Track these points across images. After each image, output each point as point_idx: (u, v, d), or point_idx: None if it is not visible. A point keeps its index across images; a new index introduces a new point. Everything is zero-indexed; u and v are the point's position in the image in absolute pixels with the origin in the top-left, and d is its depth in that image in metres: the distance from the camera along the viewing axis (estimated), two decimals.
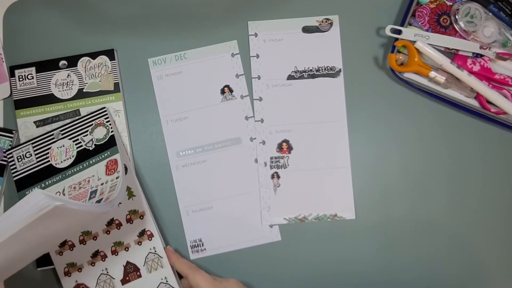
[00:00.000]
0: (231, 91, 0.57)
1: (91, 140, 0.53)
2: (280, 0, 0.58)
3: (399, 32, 0.54)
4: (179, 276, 0.53)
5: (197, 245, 0.55)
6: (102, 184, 0.50)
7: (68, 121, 0.55)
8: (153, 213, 0.54)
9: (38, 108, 0.56)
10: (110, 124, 0.53)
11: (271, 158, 0.56)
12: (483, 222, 0.54)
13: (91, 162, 0.52)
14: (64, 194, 0.52)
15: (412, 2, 0.54)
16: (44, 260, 0.53)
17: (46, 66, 0.56)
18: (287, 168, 0.56)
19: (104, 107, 0.55)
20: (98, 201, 0.47)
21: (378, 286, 0.54)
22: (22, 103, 0.56)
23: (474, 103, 0.54)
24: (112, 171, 0.50)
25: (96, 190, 0.50)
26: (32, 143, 0.54)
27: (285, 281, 0.54)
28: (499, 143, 0.55)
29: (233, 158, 0.56)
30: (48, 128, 0.55)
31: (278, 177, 0.55)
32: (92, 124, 0.54)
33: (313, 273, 0.54)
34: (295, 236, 0.55)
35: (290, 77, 0.57)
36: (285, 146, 0.56)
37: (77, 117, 0.55)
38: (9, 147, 0.55)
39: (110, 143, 0.53)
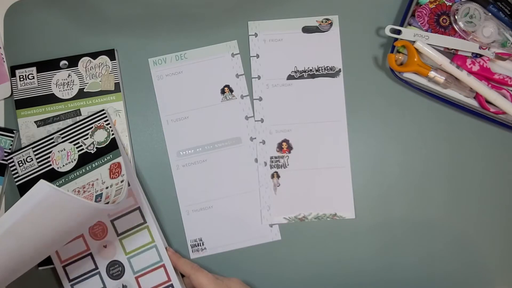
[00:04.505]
0: (231, 91, 0.57)
1: (92, 143, 0.53)
2: (280, 0, 0.58)
3: (398, 32, 0.54)
4: (181, 275, 0.53)
5: (197, 244, 0.55)
6: (107, 187, 0.51)
7: (69, 121, 0.55)
8: (153, 212, 0.54)
9: (38, 108, 0.56)
10: (110, 127, 0.54)
11: (271, 157, 0.56)
12: (483, 222, 0.55)
13: (93, 165, 0.53)
14: None
15: (412, 2, 0.54)
16: (45, 259, 0.53)
17: (47, 66, 0.56)
18: (287, 168, 0.56)
19: (103, 109, 0.55)
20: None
21: (378, 286, 0.54)
22: (23, 103, 0.56)
23: (473, 103, 0.55)
24: (116, 175, 0.50)
25: (101, 193, 0.50)
26: (33, 147, 0.54)
27: (285, 280, 0.54)
28: (499, 142, 0.55)
29: (233, 158, 0.56)
30: (48, 128, 0.55)
31: (278, 176, 0.56)
32: (92, 127, 0.54)
33: (313, 272, 0.54)
34: (295, 235, 0.55)
35: (290, 77, 0.57)
36: (285, 146, 0.56)
37: (76, 121, 0.55)
38: (10, 148, 0.55)
39: (111, 146, 0.53)
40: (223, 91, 0.57)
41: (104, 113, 0.54)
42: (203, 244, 0.55)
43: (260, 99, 0.57)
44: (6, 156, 0.54)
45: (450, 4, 0.55)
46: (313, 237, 0.55)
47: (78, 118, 0.55)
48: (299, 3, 0.58)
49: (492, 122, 0.54)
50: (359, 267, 0.54)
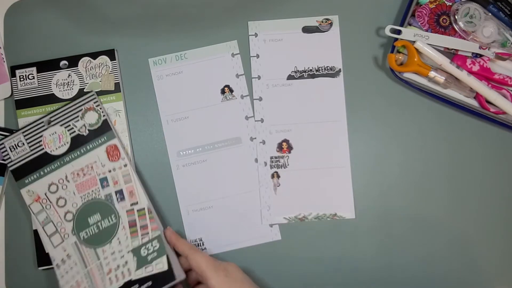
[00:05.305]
0: (231, 91, 0.57)
1: (84, 125, 0.53)
2: (280, 0, 0.58)
3: (398, 32, 0.54)
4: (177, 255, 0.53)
5: (198, 244, 0.55)
6: (110, 171, 0.52)
7: (57, 106, 0.55)
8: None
9: (39, 108, 0.56)
10: (100, 108, 0.54)
11: (271, 157, 0.56)
12: (483, 222, 0.55)
13: (88, 147, 0.53)
14: (68, 181, 0.53)
15: (412, 2, 0.54)
16: (45, 259, 0.53)
17: (47, 66, 0.56)
18: (287, 168, 0.56)
19: (92, 91, 0.55)
20: (119, 192, 0.51)
21: (378, 285, 0.54)
22: (23, 103, 0.56)
23: (473, 103, 0.55)
24: (115, 158, 0.51)
25: (106, 177, 0.52)
26: (23, 132, 0.54)
27: (285, 280, 0.54)
28: (498, 142, 0.55)
29: (233, 158, 0.56)
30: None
31: (278, 176, 0.56)
32: (82, 109, 0.54)
33: (313, 272, 0.54)
34: (295, 235, 0.55)
35: (290, 77, 0.57)
36: (285, 146, 0.56)
37: (65, 103, 0.55)
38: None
39: (104, 128, 0.53)
40: (223, 91, 0.57)
41: (93, 95, 0.55)
42: (203, 244, 0.55)
43: (260, 99, 0.57)
44: (5, 156, 0.54)
45: (450, 4, 0.55)
46: (313, 237, 0.55)
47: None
48: (299, 3, 0.58)
49: (492, 122, 0.54)
50: (359, 267, 0.54)
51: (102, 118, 0.54)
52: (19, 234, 0.55)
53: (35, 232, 0.54)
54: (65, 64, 0.57)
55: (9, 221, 0.56)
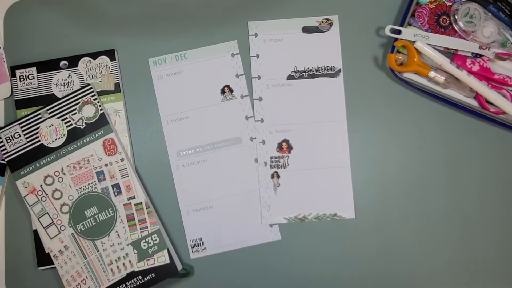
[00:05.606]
0: (231, 91, 0.57)
1: (81, 118, 0.53)
2: (280, 0, 0.58)
3: (398, 32, 0.54)
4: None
5: (198, 244, 0.55)
6: (106, 165, 0.52)
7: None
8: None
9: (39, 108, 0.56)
10: (98, 102, 0.54)
11: (271, 157, 0.56)
12: (483, 221, 0.55)
13: (85, 141, 0.53)
14: (64, 174, 0.53)
15: (412, 2, 0.54)
16: (45, 259, 0.53)
17: (47, 66, 0.56)
18: (287, 168, 0.56)
19: (89, 84, 0.55)
20: (115, 186, 0.50)
21: (378, 285, 0.54)
22: (23, 103, 0.56)
23: (473, 103, 0.55)
24: (112, 152, 0.52)
25: (102, 171, 0.52)
26: (20, 123, 0.54)
27: (285, 280, 0.54)
28: (498, 142, 0.55)
29: (233, 158, 0.56)
30: None
31: (278, 176, 0.56)
32: (79, 102, 0.54)
33: (312, 272, 0.54)
34: (295, 235, 0.55)
35: (290, 77, 0.57)
36: (285, 146, 0.56)
37: (62, 96, 0.55)
38: None
39: (101, 122, 0.54)
40: (223, 91, 0.57)
41: (91, 88, 0.55)
42: (203, 244, 0.55)
43: (260, 99, 0.57)
44: (5, 156, 0.55)
45: (450, 4, 0.55)
46: (313, 237, 0.55)
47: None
48: (299, 3, 0.58)
49: (492, 122, 0.54)
50: (358, 266, 0.54)
51: (100, 112, 0.54)
52: (19, 234, 0.55)
53: (35, 232, 0.54)
54: (65, 64, 0.57)
55: (9, 221, 0.56)
